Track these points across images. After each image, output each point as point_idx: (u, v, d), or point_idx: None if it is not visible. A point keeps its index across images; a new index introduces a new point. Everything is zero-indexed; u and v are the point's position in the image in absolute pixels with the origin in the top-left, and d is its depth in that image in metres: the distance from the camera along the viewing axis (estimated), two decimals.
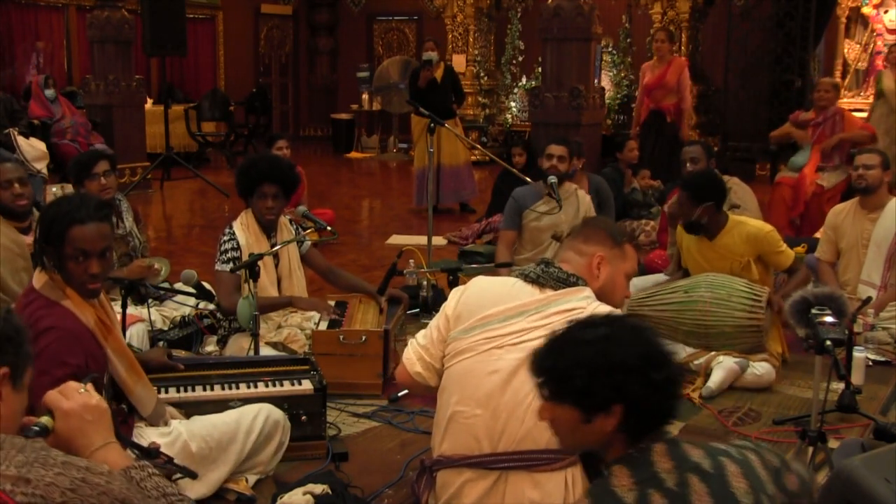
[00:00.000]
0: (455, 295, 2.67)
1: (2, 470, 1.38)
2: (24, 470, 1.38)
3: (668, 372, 1.70)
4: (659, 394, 1.68)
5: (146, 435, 2.84)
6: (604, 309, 2.51)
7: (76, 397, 1.69)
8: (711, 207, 4.34)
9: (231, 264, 4.08)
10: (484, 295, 2.62)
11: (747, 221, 4.43)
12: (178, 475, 2.25)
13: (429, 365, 2.65)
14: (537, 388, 1.77)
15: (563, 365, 1.71)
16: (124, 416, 2.87)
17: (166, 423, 2.96)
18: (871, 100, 11.13)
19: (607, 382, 1.66)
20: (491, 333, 2.52)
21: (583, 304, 2.53)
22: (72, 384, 1.72)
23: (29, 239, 4.01)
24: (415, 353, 2.68)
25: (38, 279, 2.65)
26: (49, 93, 9.65)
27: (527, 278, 2.62)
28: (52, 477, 1.39)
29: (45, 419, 1.65)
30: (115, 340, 2.74)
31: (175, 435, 2.90)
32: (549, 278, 2.58)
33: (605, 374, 1.66)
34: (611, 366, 1.66)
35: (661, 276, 5.16)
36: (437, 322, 2.67)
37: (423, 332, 2.73)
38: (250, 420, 3.05)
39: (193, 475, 2.32)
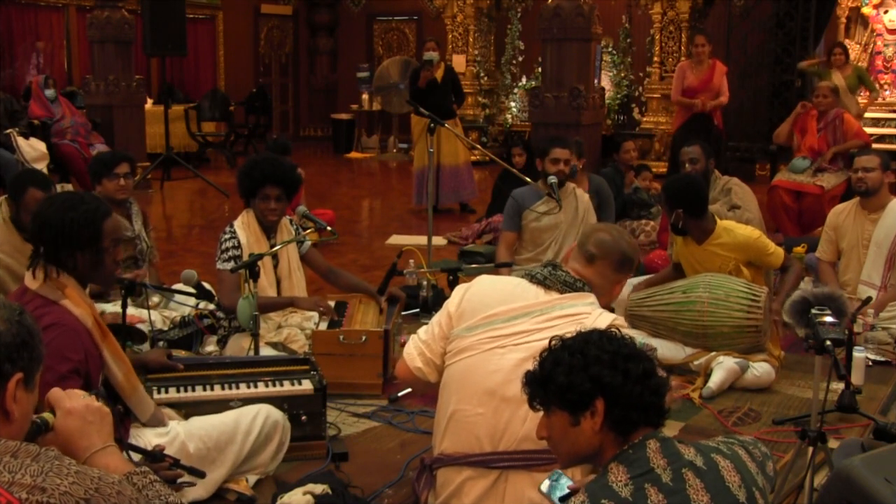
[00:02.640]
0: (459, 292, 2.67)
1: (17, 478, 1.38)
2: (39, 479, 1.39)
3: (645, 366, 1.79)
4: (638, 385, 1.76)
5: (143, 436, 2.83)
6: (607, 317, 2.52)
7: (79, 399, 1.70)
8: (683, 213, 4.34)
9: (232, 263, 4.08)
10: (488, 294, 2.62)
11: (735, 228, 4.40)
12: (185, 482, 2.25)
13: (429, 361, 2.65)
14: (530, 405, 1.88)
15: (545, 369, 1.82)
16: (121, 417, 2.85)
17: (164, 425, 2.96)
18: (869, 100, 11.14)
19: (585, 375, 1.76)
20: (494, 333, 2.52)
21: (587, 309, 2.54)
22: (77, 391, 1.73)
23: None
24: (416, 348, 2.68)
25: (33, 281, 2.64)
26: (49, 93, 9.64)
27: (533, 279, 2.62)
28: (66, 486, 1.40)
29: (46, 415, 1.66)
30: (111, 344, 2.74)
31: (173, 435, 2.90)
32: (556, 281, 2.59)
33: (583, 368, 1.77)
34: (587, 361, 1.77)
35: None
36: (439, 319, 2.67)
37: (424, 327, 2.73)
38: (249, 420, 3.05)
39: (202, 474, 2.32)
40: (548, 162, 5.13)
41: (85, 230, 2.61)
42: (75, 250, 2.62)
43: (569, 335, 1.87)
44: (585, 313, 2.52)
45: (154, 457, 2.09)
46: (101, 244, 2.64)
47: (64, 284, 2.63)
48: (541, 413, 1.87)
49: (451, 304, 2.66)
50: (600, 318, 2.50)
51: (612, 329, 1.89)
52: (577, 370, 1.77)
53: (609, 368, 1.75)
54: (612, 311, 2.70)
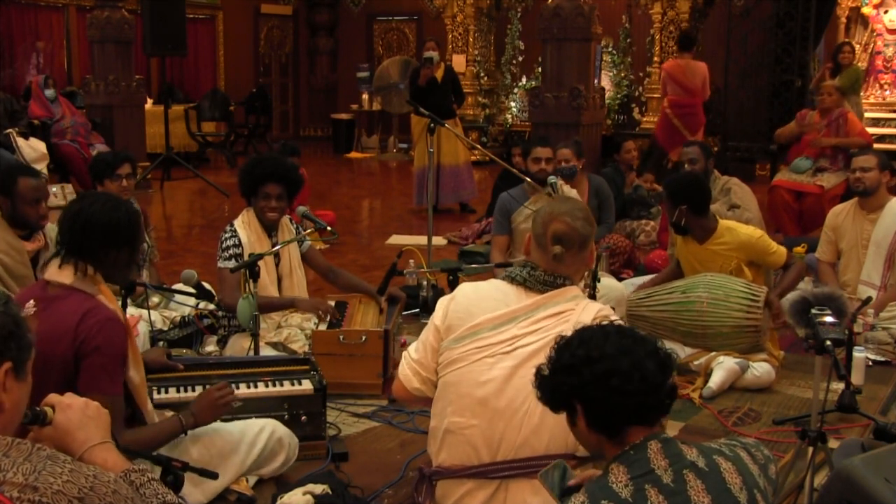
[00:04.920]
0: (442, 304, 2.66)
1: (8, 477, 1.36)
2: (31, 477, 1.37)
3: (606, 366, 1.74)
4: (601, 389, 1.73)
5: None
6: (592, 309, 2.52)
7: (77, 398, 1.71)
8: (686, 210, 4.34)
9: (233, 261, 4.08)
10: (472, 303, 2.61)
11: (737, 228, 4.40)
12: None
13: (425, 379, 2.66)
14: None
15: (543, 374, 1.85)
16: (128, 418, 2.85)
17: None
18: (871, 100, 11.16)
19: (558, 381, 1.80)
20: (482, 342, 2.52)
21: (571, 304, 2.54)
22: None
23: (30, 246, 4.03)
24: (410, 369, 2.68)
25: (65, 275, 2.57)
26: (49, 93, 9.63)
27: (513, 281, 2.62)
28: (60, 485, 1.38)
29: (46, 408, 1.66)
30: (133, 346, 2.74)
31: (178, 437, 2.89)
32: (536, 282, 2.58)
33: (554, 373, 1.81)
34: (558, 367, 1.81)
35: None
36: (427, 335, 2.67)
37: (413, 345, 2.72)
38: (254, 433, 3.02)
39: (214, 476, 2.32)
40: (529, 161, 5.16)
41: (128, 230, 2.65)
42: (113, 248, 2.63)
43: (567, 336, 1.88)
44: (570, 309, 2.52)
45: (159, 461, 2.08)
46: (137, 244, 2.71)
47: (98, 280, 2.64)
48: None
49: (436, 318, 2.65)
50: (584, 312, 2.51)
51: (602, 323, 1.90)
52: (555, 373, 1.82)
53: (571, 374, 1.77)
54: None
